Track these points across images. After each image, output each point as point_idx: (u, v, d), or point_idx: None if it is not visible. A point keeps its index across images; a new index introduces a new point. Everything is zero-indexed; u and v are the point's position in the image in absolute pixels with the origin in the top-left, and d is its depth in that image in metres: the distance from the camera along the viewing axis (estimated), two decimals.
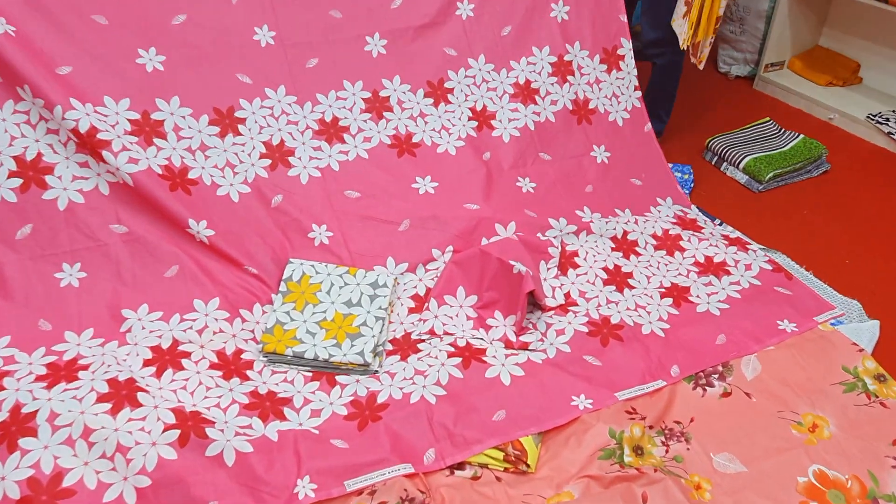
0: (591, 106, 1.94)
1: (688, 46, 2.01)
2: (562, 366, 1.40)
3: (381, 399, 1.33)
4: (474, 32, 1.83)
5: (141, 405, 1.22)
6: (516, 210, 1.70)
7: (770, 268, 1.68)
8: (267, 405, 1.30)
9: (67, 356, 1.32)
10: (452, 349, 1.43)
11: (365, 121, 1.71)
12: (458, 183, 1.71)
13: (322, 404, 1.33)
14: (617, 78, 1.97)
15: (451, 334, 1.47)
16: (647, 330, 1.50)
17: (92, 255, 1.45)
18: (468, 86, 1.82)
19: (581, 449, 1.24)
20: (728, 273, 1.67)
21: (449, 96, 1.80)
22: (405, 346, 1.46)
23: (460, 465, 1.24)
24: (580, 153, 1.89)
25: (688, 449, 1.27)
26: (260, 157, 1.58)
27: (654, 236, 1.77)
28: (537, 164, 1.84)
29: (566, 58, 1.90)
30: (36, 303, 1.39)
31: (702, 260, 1.71)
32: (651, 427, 1.30)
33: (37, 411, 1.19)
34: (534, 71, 1.89)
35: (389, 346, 1.47)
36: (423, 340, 1.47)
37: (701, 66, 2.06)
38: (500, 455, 1.24)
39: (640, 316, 1.54)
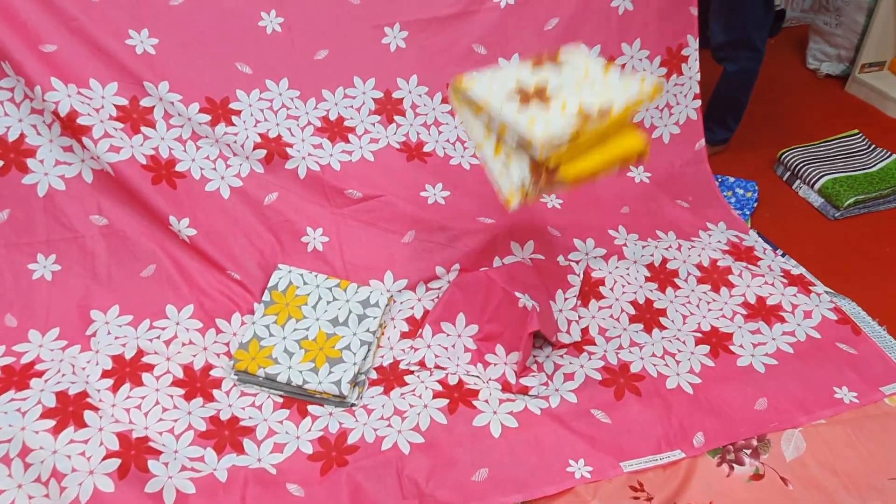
0: (634, 120, 1.71)
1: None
2: (563, 420, 1.21)
3: (351, 440, 1.18)
4: (511, 25, 1.60)
5: (86, 426, 1.12)
6: (537, 227, 1.50)
7: (835, 318, 1.41)
8: (225, 434, 1.18)
9: (26, 359, 1.24)
10: (440, 388, 1.26)
11: (373, 123, 1.54)
12: (473, 193, 1.52)
13: (288, 438, 1.19)
14: (675, 84, 1.71)
15: (444, 368, 1.30)
16: (672, 384, 1.28)
17: (68, 247, 1.35)
18: None
19: None
20: (782, 320, 1.42)
21: None
22: (391, 377, 1.31)
23: None
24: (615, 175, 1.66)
25: None
26: (254, 148, 1.43)
27: (699, 266, 1.53)
28: None
29: (619, 60, 1.65)
30: (5, 295, 1.31)
31: (752, 300, 1.46)
32: None
33: None
34: None
35: (374, 375, 1.32)
36: (412, 372, 1.31)
37: (510, 208, 1.16)
38: None
39: (666, 365, 1.32)
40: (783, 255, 1.62)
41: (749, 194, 1.82)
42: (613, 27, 1.64)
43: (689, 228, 1.62)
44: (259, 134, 1.45)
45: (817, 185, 1.85)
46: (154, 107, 1.39)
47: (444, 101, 1.59)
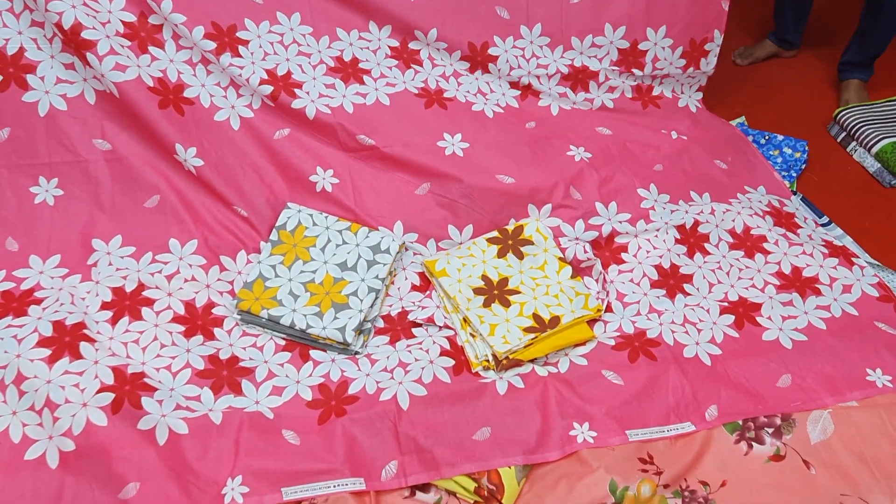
0: (654, 93, 1.64)
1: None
2: (571, 383, 1.16)
3: (352, 390, 1.14)
4: None
5: (81, 357, 1.09)
6: (559, 189, 1.40)
7: (877, 294, 1.32)
8: (224, 374, 1.15)
9: (26, 285, 1.21)
10: (448, 346, 1.21)
11: (390, 67, 1.44)
12: (494, 147, 1.42)
13: (287, 381, 1.16)
14: (689, 76, 1.65)
15: (452, 329, 1.25)
16: (690, 352, 1.21)
17: (71, 171, 1.30)
18: (515, 57, 1.52)
19: (570, 499, 1.02)
20: (818, 293, 1.32)
21: (490, 65, 1.51)
22: (398, 328, 1.26)
23: (424, 487, 1.05)
24: (648, 129, 1.55)
25: None
26: (260, 83, 1.34)
27: (732, 232, 1.43)
28: (594, 138, 1.51)
29: (641, 46, 1.57)
30: (7, 218, 1.27)
31: (787, 270, 1.37)
32: (667, 486, 1.04)
33: None
34: (595, 56, 1.55)
35: (381, 323, 1.27)
36: (420, 325, 1.26)
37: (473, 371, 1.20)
38: (472, 485, 1.03)
39: (686, 333, 1.25)
40: (828, 223, 1.51)
41: (798, 154, 1.69)
42: (641, 8, 1.53)
43: (725, 190, 1.52)
44: (266, 70, 1.36)
45: (875, 149, 1.71)
46: (162, 25, 1.31)
47: (464, 58, 1.50)
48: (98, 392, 1.06)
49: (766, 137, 1.75)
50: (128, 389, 1.07)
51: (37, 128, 1.29)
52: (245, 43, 1.35)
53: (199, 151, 1.32)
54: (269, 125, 1.36)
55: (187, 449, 1.03)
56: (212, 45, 1.32)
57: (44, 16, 1.24)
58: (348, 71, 1.42)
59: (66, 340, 1.11)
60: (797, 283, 1.34)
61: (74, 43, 1.25)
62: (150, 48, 1.30)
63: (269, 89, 1.34)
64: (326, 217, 1.35)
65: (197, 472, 1.01)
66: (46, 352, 1.09)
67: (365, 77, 1.42)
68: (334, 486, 1.01)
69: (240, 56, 1.34)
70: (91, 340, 1.12)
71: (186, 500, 1.00)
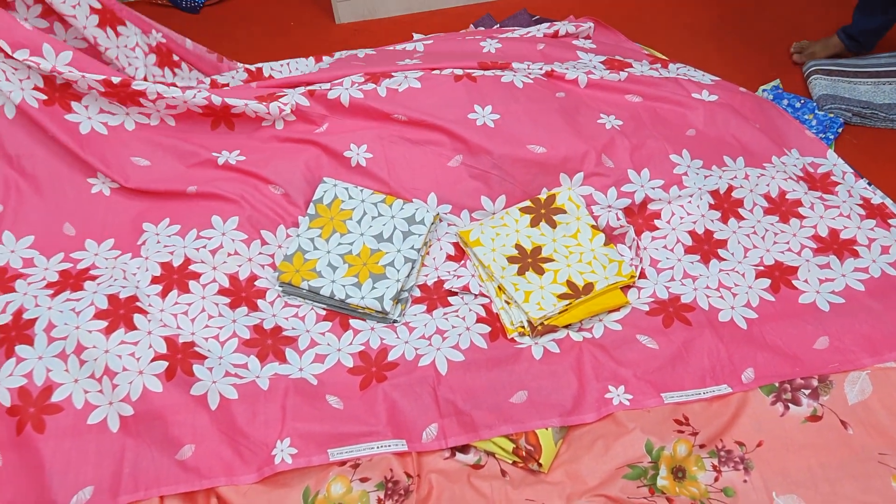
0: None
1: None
2: (606, 347, 1.17)
3: (392, 356, 1.18)
4: None
5: (136, 328, 1.15)
6: (590, 157, 1.40)
7: None
8: (268, 343, 1.20)
9: (82, 265, 1.27)
10: (484, 313, 1.24)
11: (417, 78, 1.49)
12: (525, 117, 1.43)
13: (329, 350, 1.20)
14: None
15: (487, 296, 1.27)
16: (725, 317, 1.22)
17: (120, 178, 1.35)
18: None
19: (607, 458, 1.04)
20: (855, 255, 1.31)
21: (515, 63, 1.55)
22: (434, 297, 1.29)
23: (463, 449, 1.08)
24: (679, 96, 1.53)
25: (745, 481, 1.02)
26: (300, 94, 1.43)
27: (767, 197, 1.42)
28: (624, 106, 1.51)
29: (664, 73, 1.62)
30: (65, 206, 1.33)
31: (824, 233, 1.35)
32: (703, 446, 1.06)
33: (36, 319, 1.16)
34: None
35: (417, 293, 1.30)
36: (456, 294, 1.29)
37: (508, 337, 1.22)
38: (511, 446, 1.06)
39: (721, 297, 1.25)
40: (868, 185, 1.49)
41: (833, 114, 1.66)
42: None
43: (758, 155, 1.50)
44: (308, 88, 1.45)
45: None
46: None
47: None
48: (153, 360, 1.11)
49: (802, 101, 1.72)
50: (180, 358, 1.12)
51: (83, 146, 1.35)
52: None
53: (242, 152, 1.38)
54: (308, 121, 1.42)
55: (238, 413, 1.08)
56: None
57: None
58: (377, 74, 1.47)
59: (120, 313, 1.17)
60: (834, 246, 1.33)
61: (123, 93, 1.33)
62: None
63: (303, 88, 1.42)
64: (362, 190, 1.38)
65: (248, 434, 1.07)
66: (103, 323, 1.15)
67: (395, 73, 1.48)
68: (378, 448, 1.06)
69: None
70: (144, 312, 1.18)
71: (239, 461, 1.05)
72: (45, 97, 1.31)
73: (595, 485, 1.01)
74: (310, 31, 2.18)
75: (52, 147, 1.33)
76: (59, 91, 1.32)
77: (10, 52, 1.24)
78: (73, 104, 1.34)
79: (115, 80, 1.30)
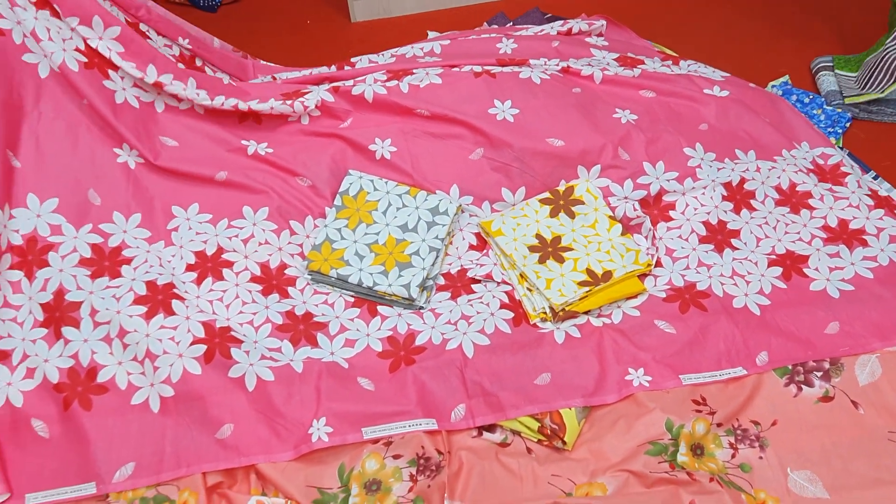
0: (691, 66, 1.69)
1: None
2: (625, 332, 1.22)
3: (419, 341, 1.23)
4: None
5: (174, 314, 1.20)
6: (607, 150, 1.45)
7: None
8: (300, 328, 1.24)
9: (112, 241, 1.29)
10: (507, 300, 1.28)
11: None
12: (544, 111, 1.47)
13: (358, 335, 1.25)
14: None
15: (510, 284, 1.32)
16: (739, 303, 1.27)
17: (148, 153, 1.38)
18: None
19: (629, 436, 1.09)
20: (864, 244, 1.36)
21: (531, 60, 1.60)
22: (458, 284, 1.33)
23: (490, 428, 1.13)
24: (692, 91, 1.58)
25: (760, 458, 1.07)
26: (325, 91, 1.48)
27: (778, 189, 1.46)
28: (639, 101, 1.56)
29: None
30: (90, 170, 1.32)
31: (833, 224, 1.40)
32: (720, 425, 1.11)
33: (80, 303, 1.20)
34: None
35: (441, 281, 1.35)
36: (479, 282, 1.33)
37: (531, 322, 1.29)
38: (536, 425, 1.11)
39: (735, 285, 1.30)
40: (876, 178, 1.53)
41: (841, 109, 1.71)
42: None
43: (769, 148, 1.54)
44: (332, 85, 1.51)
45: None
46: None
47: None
48: (191, 344, 1.16)
49: (810, 97, 1.77)
50: (217, 342, 1.17)
51: (116, 115, 1.35)
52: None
53: (270, 144, 1.42)
54: (333, 116, 1.47)
55: (274, 394, 1.13)
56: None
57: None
58: (399, 72, 1.53)
59: (158, 299, 1.21)
60: (843, 236, 1.37)
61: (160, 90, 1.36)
62: None
63: (327, 84, 1.48)
64: (386, 182, 1.42)
65: (284, 414, 1.11)
66: (143, 309, 1.20)
67: (416, 69, 1.53)
68: (409, 426, 1.10)
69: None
70: (181, 298, 1.22)
71: (276, 440, 1.10)
72: (85, 59, 1.31)
73: (618, 461, 1.06)
74: (326, 29, 2.23)
75: (82, 111, 1.33)
76: (99, 57, 1.33)
77: (61, 15, 1.27)
78: (111, 72, 1.34)
79: (150, 80, 1.34)
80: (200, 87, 1.40)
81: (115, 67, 1.34)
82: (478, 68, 1.56)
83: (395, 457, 1.08)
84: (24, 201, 1.25)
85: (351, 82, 1.50)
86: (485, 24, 2.15)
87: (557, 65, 1.60)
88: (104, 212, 1.32)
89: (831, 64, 1.82)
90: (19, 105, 1.27)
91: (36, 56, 1.28)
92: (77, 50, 1.31)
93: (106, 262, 1.27)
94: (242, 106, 1.40)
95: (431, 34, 2.02)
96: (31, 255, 1.23)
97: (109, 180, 1.34)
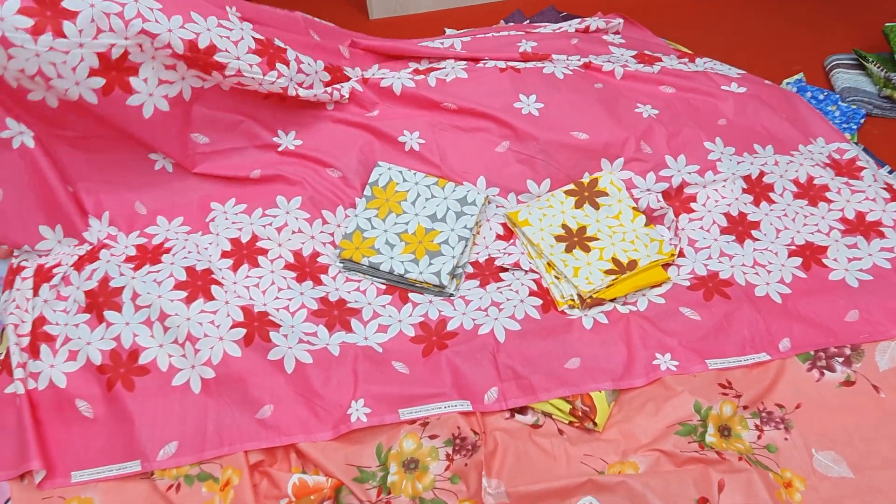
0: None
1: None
2: (652, 319, 1.26)
3: (451, 326, 1.26)
4: None
5: (213, 298, 1.23)
6: (630, 144, 1.48)
7: None
8: (335, 314, 1.27)
9: (156, 240, 1.34)
10: (535, 287, 1.32)
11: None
12: (567, 105, 1.51)
13: (391, 321, 1.28)
14: None
15: (537, 272, 1.35)
16: (761, 292, 1.30)
17: (178, 157, 1.41)
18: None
19: (658, 418, 1.12)
20: (881, 235, 1.40)
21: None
22: (486, 273, 1.37)
23: (522, 410, 1.16)
24: (710, 87, 1.62)
25: (786, 439, 1.11)
26: (354, 81, 1.51)
27: (796, 182, 1.50)
28: (659, 96, 1.59)
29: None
30: (133, 182, 1.38)
31: (851, 216, 1.44)
32: (746, 407, 1.14)
33: (122, 288, 1.23)
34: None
35: (470, 269, 1.38)
36: (507, 270, 1.37)
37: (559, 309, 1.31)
38: (567, 407, 1.14)
39: (756, 274, 1.33)
40: (891, 173, 1.57)
41: (856, 105, 1.74)
42: None
43: (786, 143, 1.58)
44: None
45: None
46: (286, 49, 1.40)
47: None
48: (231, 328, 1.19)
49: (825, 94, 1.81)
50: (256, 325, 1.20)
51: (143, 126, 1.32)
52: None
53: (298, 133, 1.45)
54: (360, 105, 1.50)
55: (312, 376, 1.16)
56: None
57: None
58: (425, 71, 1.57)
59: (198, 284, 1.24)
60: (861, 227, 1.41)
61: (204, 62, 1.28)
62: (278, 65, 1.35)
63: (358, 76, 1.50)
64: (415, 174, 1.46)
65: (323, 395, 1.15)
66: (183, 293, 1.23)
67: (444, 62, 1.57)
68: (445, 407, 1.14)
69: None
70: (220, 284, 1.26)
71: (315, 420, 1.13)
72: (102, 82, 1.21)
73: (648, 441, 1.09)
74: (343, 26, 2.25)
75: (112, 129, 1.32)
76: (116, 68, 1.22)
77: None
78: (132, 80, 1.24)
79: (202, 44, 1.25)
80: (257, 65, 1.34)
81: (136, 69, 1.23)
82: (501, 64, 1.59)
83: (432, 437, 1.11)
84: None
85: (380, 74, 1.53)
86: (502, 21, 2.18)
87: (579, 60, 1.64)
88: (149, 219, 1.37)
89: (845, 61, 1.86)
90: None
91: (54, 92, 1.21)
92: (92, 74, 1.20)
93: (149, 255, 1.30)
94: (291, 92, 1.38)
95: (449, 31, 2.05)
96: (87, 255, 1.29)
97: (152, 189, 1.39)
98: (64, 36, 1.14)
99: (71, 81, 1.19)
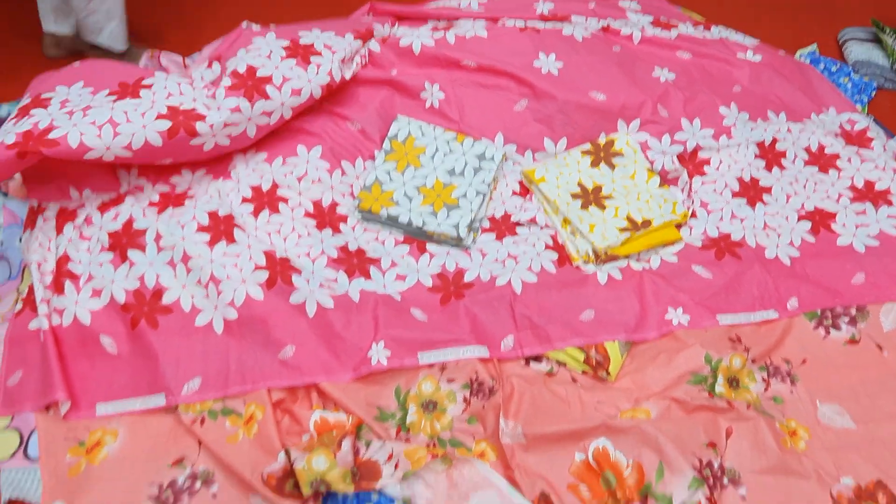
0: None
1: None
2: (664, 276, 1.29)
3: (468, 278, 1.29)
4: None
5: (236, 241, 1.25)
6: (647, 105, 1.50)
7: None
8: (354, 262, 1.29)
9: (179, 188, 1.34)
10: (551, 242, 1.34)
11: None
12: (586, 67, 1.52)
13: (408, 270, 1.30)
14: None
15: (553, 228, 1.38)
16: (771, 254, 1.33)
17: None
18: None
19: (670, 368, 1.16)
20: (889, 203, 1.43)
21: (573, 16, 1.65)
22: (503, 227, 1.39)
23: (537, 358, 1.19)
24: (725, 54, 1.64)
25: (791, 391, 1.15)
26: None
27: (807, 150, 1.53)
28: (676, 61, 1.61)
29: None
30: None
31: (860, 185, 1.47)
32: (754, 361, 1.18)
33: (145, 230, 1.25)
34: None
35: (486, 224, 1.40)
36: (523, 225, 1.39)
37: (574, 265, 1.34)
38: (581, 356, 1.17)
39: (767, 237, 1.37)
40: None
41: (868, 78, 1.76)
42: None
43: (798, 111, 1.60)
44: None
45: None
46: (313, 43, 1.42)
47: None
48: (254, 270, 1.21)
49: (838, 65, 1.82)
50: (279, 269, 1.22)
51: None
52: None
53: None
54: (378, 66, 1.51)
55: (334, 320, 1.18)
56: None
57: None
58: (445, 27, 1.57)
59: (220, 228, 1.26)
60: (869, 195, 1.44)
61: (251, 82, 1.32)
62: (312, 57, 1.39)
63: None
64: (434, 128, 1.47)
65: (344, 338, 1.17)
66: (206, 236, 1.24)
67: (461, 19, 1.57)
68: (463, 353, 1.16)
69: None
70: (242, 228, 1.27)
71: (336, 362, 1.15)
72: (168, 124, 1.22)
73: (660, 390, 1.13)
74: None
75: None
76: (184, 114, 1.25)
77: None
78: (198, 125, 1.25)
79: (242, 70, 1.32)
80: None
81: (203, 116, 1.26)
82: (521, 23, 1.60)
83: (450, 380, 1.14)
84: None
85: (400, 33, 1.54)
86: None
87: (598, 22, 1.65)
88: (174, 168, 1.36)
89: (859, 34, 1.88)
90: None
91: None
92: (160, 117, 1.23)
93: (172, 199, 1.31)
94: (336, 77, 1.41)
95: None
96: (111, 201, 1.30)
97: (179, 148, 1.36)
98: None
99: (138, 125, 1.22)
